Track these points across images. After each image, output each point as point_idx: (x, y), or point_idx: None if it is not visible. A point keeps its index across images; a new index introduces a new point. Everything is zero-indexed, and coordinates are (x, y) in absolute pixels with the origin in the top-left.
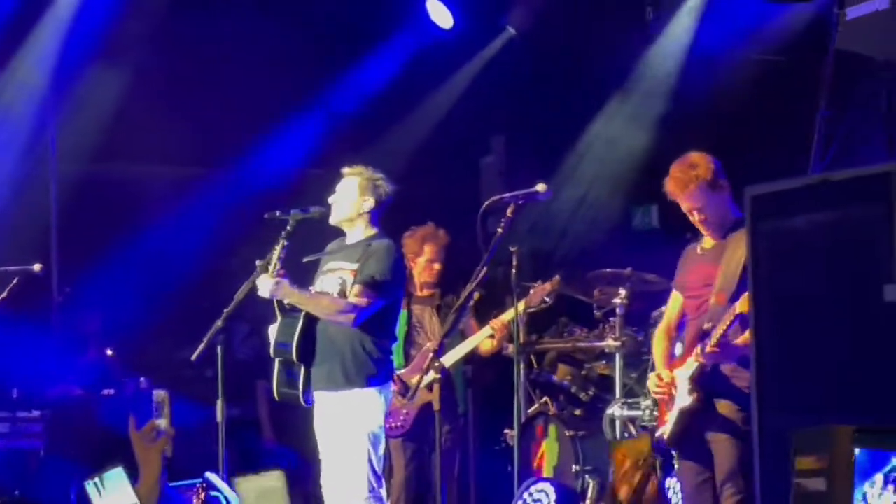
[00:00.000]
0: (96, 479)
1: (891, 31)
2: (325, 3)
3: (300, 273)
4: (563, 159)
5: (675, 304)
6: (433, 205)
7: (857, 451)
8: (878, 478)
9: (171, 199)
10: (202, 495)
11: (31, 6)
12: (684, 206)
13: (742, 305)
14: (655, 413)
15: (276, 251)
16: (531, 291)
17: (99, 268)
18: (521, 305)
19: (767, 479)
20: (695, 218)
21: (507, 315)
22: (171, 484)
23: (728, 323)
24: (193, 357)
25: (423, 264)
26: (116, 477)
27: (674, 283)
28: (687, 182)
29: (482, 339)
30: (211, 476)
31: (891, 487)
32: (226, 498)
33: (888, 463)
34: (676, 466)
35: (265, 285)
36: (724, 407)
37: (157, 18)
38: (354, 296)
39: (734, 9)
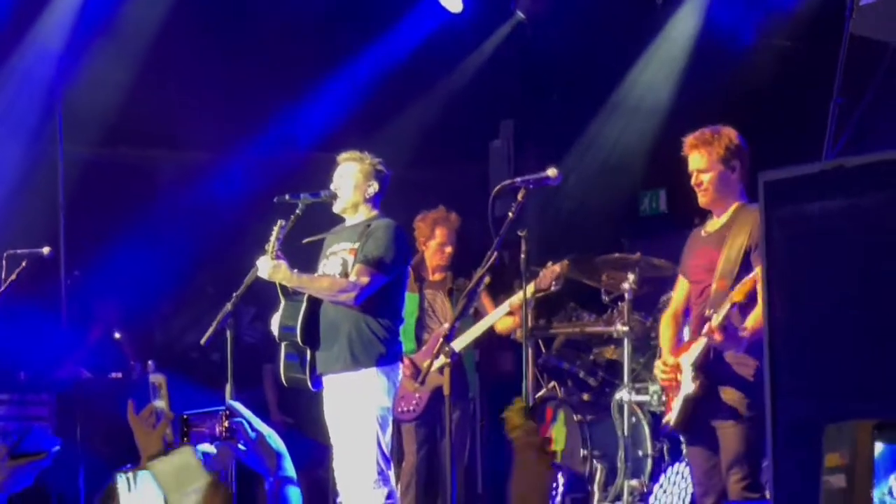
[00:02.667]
0: (130, 474)
1: None
2: None
3: (308, 257)
4: (571, 144)
5: (681, 289)
6: (442, 188)
7: (881, 446)
8: None
9: (178, 182)
10: (225, 423)
11: None
12: (691, 165)
13: (737, 294)
14: (664, 398)
15: (275, 233)
16: (541, 273)
17: (107, 251)
18: (530, 287)
19: (783, 464)
20: (693, 181)
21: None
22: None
23: (727, 310)
24: (203, 340)
25: (435, 248)
26: (150, 479)
27: (679, 267)
28: (703, 143)
29: (499, 318)
30: (234, 404)
31: None
32: (249, 424)
33: None
34: (685, 452)
35: (264, 267)
36: (728, 394)
37: (164, 2)
38: (355, 274)
39: None
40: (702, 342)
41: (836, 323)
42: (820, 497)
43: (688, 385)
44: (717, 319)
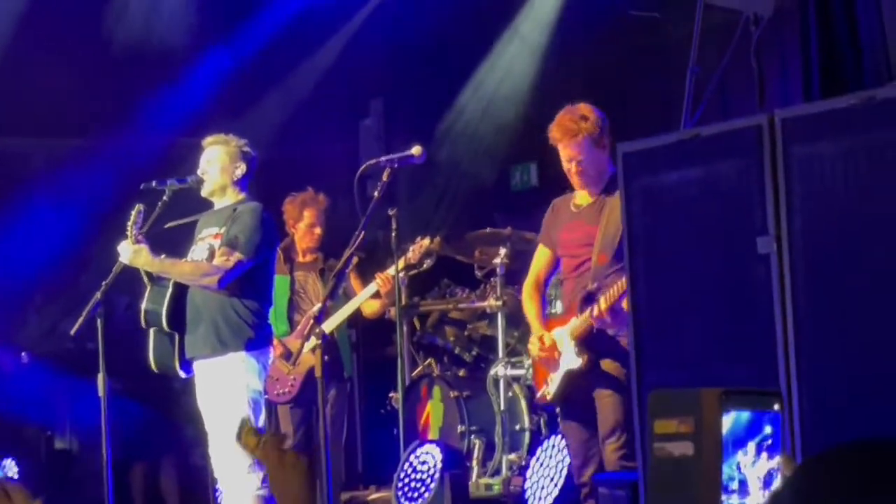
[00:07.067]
0: None
1: None
2: None
3: (181, 243)
4: (441, 120)
5: (542, 258)
6: (312, 168)
7: (728, 416)
8: (751, 446)
9: (47, 171)
10: None
11: None
12: (565, 155)
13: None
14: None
15: (132, 217)
16: (410, 248)
17: None
18: (401, 262)
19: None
20: (572, 168)
21: (392, 270)
22: None
23: (620, 291)
24: (73, 331)
25: (304, 229)
26: None
27: (540, 237)
28: (575, 132)
29: (366, 299)
30: None
31: (764, 455)
32: None
33: (760, 432)
34: (561, 425)
35: (125, 252)
36: (608, 365)
37: None
38: (219, 258)
39: None
40: (584, 319)
41: (697, 293)
42: (650, 463)
43: (572, 360)
44: (608, 299)
